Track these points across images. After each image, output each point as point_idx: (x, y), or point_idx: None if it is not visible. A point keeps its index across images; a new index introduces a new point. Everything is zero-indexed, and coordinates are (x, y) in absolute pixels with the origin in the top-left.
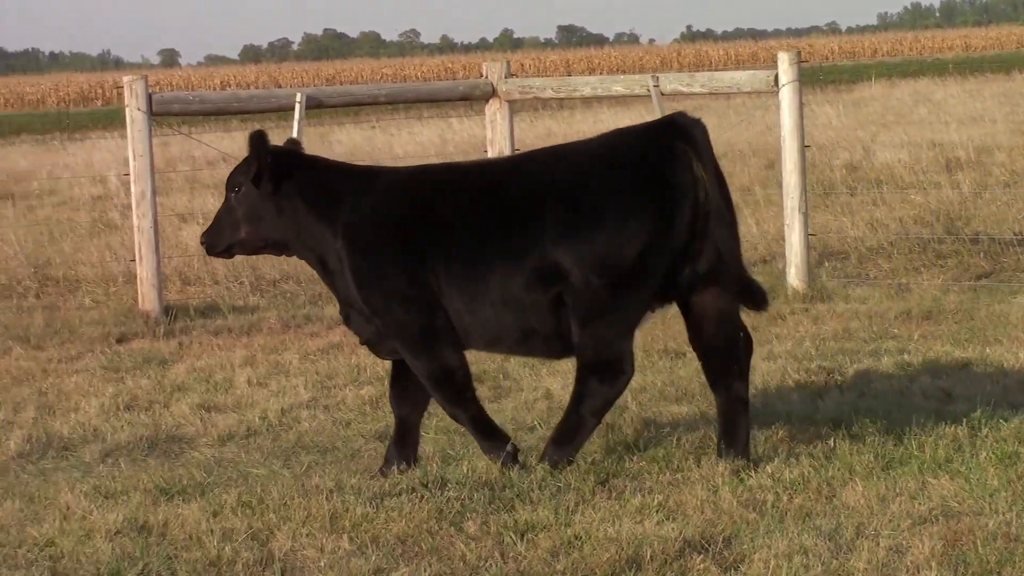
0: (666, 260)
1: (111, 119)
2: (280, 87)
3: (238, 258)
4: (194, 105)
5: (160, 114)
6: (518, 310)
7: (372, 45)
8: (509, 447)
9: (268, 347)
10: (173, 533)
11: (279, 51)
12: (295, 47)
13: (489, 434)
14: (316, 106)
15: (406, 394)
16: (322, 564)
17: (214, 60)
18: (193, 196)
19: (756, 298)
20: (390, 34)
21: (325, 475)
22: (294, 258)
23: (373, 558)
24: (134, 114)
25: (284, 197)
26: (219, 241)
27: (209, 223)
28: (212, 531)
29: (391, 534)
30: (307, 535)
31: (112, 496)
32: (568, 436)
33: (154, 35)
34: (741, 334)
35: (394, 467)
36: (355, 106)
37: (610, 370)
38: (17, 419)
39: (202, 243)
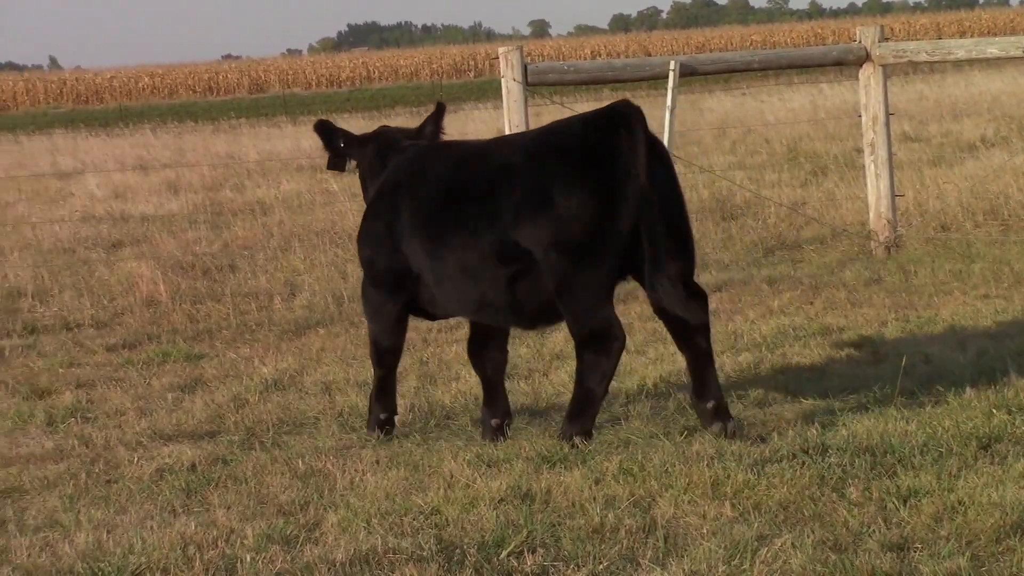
0: (619, 237)
1: (483, 90)
2: (650, 55)
3: None
4: (568, 75)
5: (535, 84)
6: (476, 283)
7: (741, 12)
8: (383, 415)
9: (644, 315)
10: (556, 500)
11: (648, 20)
12: (664, 16)
13: (380, 396)
14: (689, 73)
15: (482, 355)
16: (704, 531)
17: (584, 30)
18: None
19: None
20: (758, 1)
21: (705, 442)
22: None
23: (755, 525)
24: (510, 84)
25: (362, 173)
26: None
27: None
28: (595, 498)
29: (773, 500)
30: (689, 502)
31: (495, 464)
32: (579, 410)
33: (525, 6)
34: (696, 293)
35: (491, 423)
36: (728, 73)
37: (600, 340)
38: (399, 388)
39: None
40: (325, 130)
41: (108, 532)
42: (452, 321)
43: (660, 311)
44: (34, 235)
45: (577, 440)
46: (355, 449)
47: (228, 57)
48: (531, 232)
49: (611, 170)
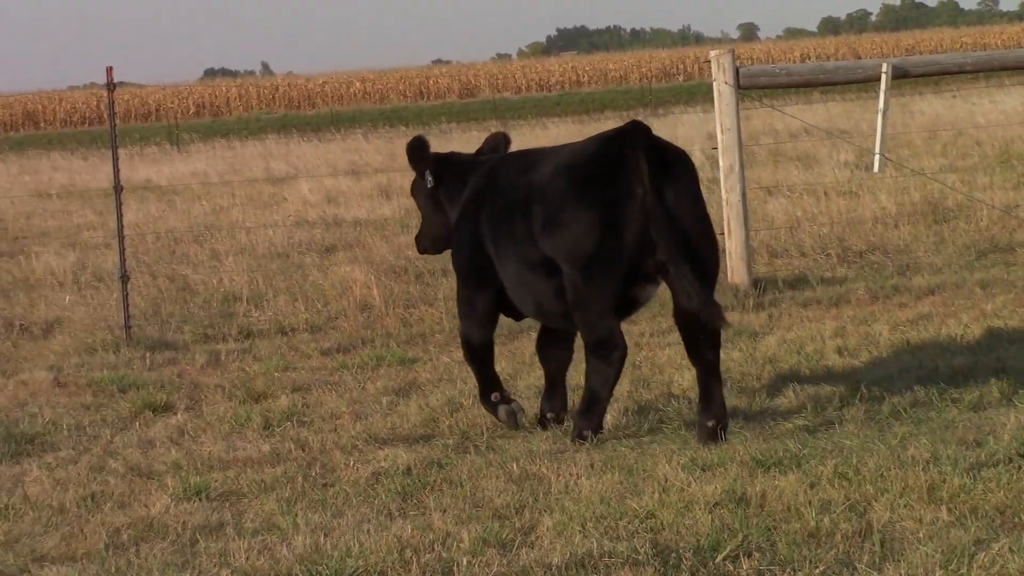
0: (625, 250)
1: (692, 94)
2: (859, 58)
3: (825, 229)
4: (780, 78)
5: (746, 87)
6: (532, 291)
7: (950, 14)
8: (495, 397)
9: (857, 318)
10: (771, 505)
11: (857, 22)
12: (873, 18)
13: (487, 389)
14: (901, 76)
15: (551, 352)
16: (921, 535)
17: (793, 33)
18: (777, 169)
19: (707, 309)
20: (968, 3)
21: (920, 445)
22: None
23: (972, 529)
24: (721, 88)
25: (439, 196)
26: (419, 241)
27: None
28: (810, 502)
29: (990, 505)
30: (905, 506)
31: (709, 468)
32: (587, 408)
33: (734, 9)
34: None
35: (547, 415)
36: (940, 75)
37: (603, 349)
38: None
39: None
40: (419, 147)
41: (325, 535)
42: (665, 324)
43: (679, 318)
44: (248, 240)
45: (587, 434)
46: (569, 453)
47: (438, 62)
48: (553, 246)
49: (614, 189)
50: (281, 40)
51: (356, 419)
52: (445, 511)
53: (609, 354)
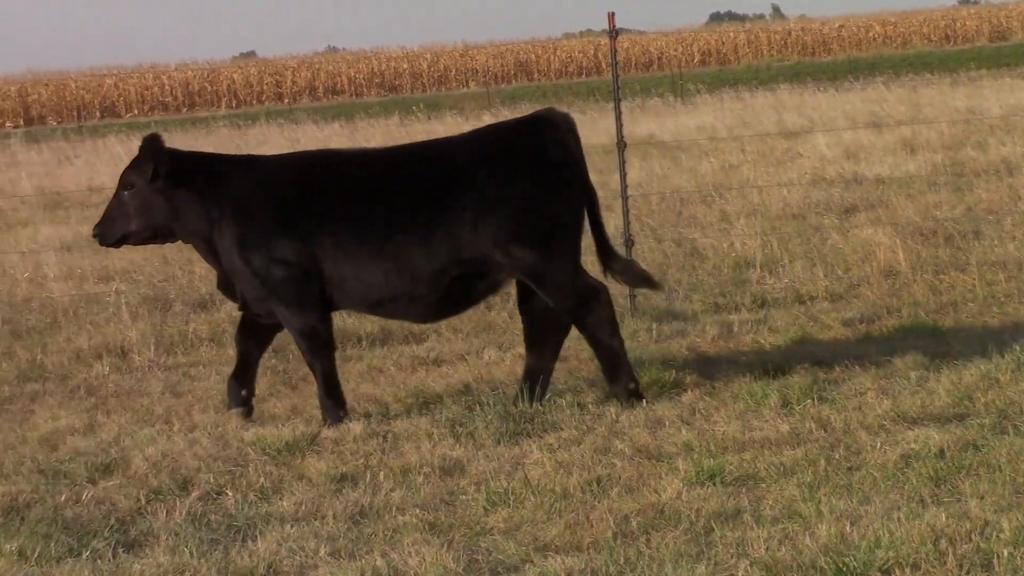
0: (579, 220)
1: None
2: None
3: None
4: None
5: None
6: (411, 281)
7: None
8: (342, 413)
9: None
10: None
11: None
12: None
13: (332, 393)
14: None
15: (251, 334)
16: None
17: None
18: None
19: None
20: None
21: None
22: None
23: None
24: None
25: (172, 189)
26: (111, 233)
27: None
28: None
29: None
30: None
31: None
32: (613, 368)
33: None
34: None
35: (236, 398)
36: None
37: (586, 299)
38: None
39: (94, 235)
40: (155, 147)
41: (852, 524)
42: None
43: (534, 311)
44: (761, 200)
45: (633, 386)
46: None
47: (966, 2)
48: (488, 231)
49: (553, 167)
50: None
51: (882, 396)
52: (983, 498)
53: (597, 299)
